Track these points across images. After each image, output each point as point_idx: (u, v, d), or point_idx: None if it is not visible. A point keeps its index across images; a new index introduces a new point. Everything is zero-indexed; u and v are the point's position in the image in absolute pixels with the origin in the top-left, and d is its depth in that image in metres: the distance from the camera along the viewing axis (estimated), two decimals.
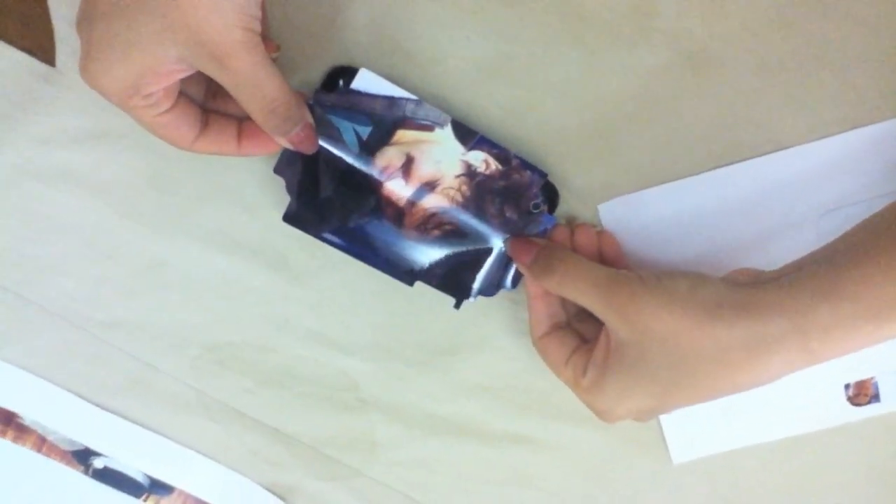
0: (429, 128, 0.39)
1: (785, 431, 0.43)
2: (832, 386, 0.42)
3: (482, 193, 0.40)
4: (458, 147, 0.39)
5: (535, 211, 0.40)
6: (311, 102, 0.38)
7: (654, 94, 0.39)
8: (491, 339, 0.43)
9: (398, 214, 0.40)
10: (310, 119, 0.37)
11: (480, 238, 0.40)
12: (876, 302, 0.31)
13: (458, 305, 0.40)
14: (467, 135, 0.39)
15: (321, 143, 0.39)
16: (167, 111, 0.35)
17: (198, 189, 0.41)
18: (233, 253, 0.42)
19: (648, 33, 0.38)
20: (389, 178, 0.39)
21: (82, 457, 0.45)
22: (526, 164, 0.40)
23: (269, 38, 0.37)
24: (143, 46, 0.32)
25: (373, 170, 0.39)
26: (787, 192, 0.40)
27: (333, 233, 0.40)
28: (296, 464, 0.45)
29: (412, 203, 0.40)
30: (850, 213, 0.40)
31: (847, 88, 0.39)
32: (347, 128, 0.39)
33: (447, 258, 0.40)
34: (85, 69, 0.33)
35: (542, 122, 0.40)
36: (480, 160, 0.39)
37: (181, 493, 0.45)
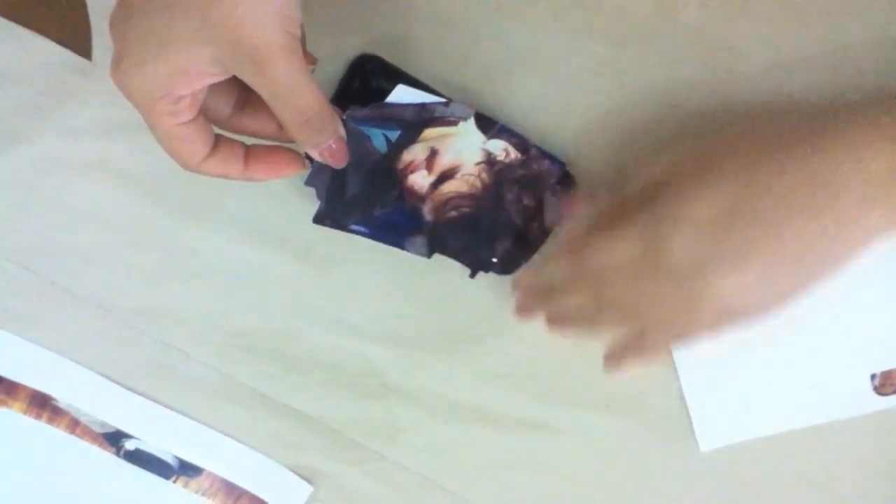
0: (453, 123, 0.40)
1: (811, 420, 0.43)
2: (858, 375, 0.42)
3: (501, 181, 0.40)
4: (479, 136, 0.40)
5: (552, 198, 0.40)
6: (344, 118, 0.38)
7: (675, 88, 0.39)
8: (511, 327, 0.43)
9: (419, 200, 0.41)
10: (342, 132, 0.36)
11: (497, 222, 0.41)
12: None
13: (472, 275, 0.41)
14: (488, 125, 0.40)
15: (355, 147, 0.39)
16: (188, 122, 0.34)
17: (226, 180, 0.42)
18: (259, 242, 0.43)
19: (671, 27, 0.39)
20: (414, 171, 0.40)
21: (114, 438, 0.46)
22: (544, 154, 0.40)
23: (307, 50, 0.36)
24: (179, 45, 0.31)
25: (398, 165, 0.40)
26: None
27: (358, 223, 0.41)
28: (320, 447, 0.45)
29: (433, 188, 0.40)
30: None
31: (871, 85, 0.39)
32: (377, 134, 0.40)
33: (464, 234, 0.41)
34: (117, 67, 0.32)
35: (563, 113, 0.40)
36: (500, 149, 0.40)
37: (209, 474, 0.46)
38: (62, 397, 0.45)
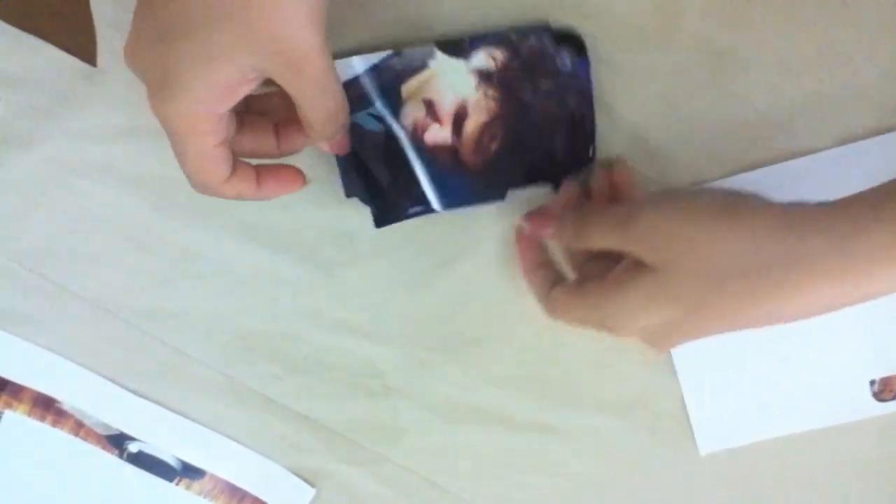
0: (422, 67, 0.39)
1: (810, 424, 0.43)
2: (858, 381, 0.43)
3: (509, 84, 0.39)
4: (458, 63, 0.39)
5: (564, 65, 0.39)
6: None
7: (676, 94, 0.40)
8: (515, 329, 0.44)
9: (453, 154, 0.40)
10: (348, 123, 0.37)
11: (538, 124, 0.40)
12: None
13: (555, 187, 0.40)
14: (457, 47, 0.39)
15: (363, 149, 0.40)
16: (222, 143, 0.33)
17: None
18: (264, 245, 0.44)
19: (672, 33, 0.39)
20: (425, 130, 0.40)
21: (117, 441, 0.46)
22: (524, 31, 0.39)
23: None
24: (223, 59, 0.30)
25: (406, 134, 0.40)
26: (812, 198, 0.40)
27: (414, 205, 0.41)
28: (323, 449, 0.46)
29: (456, 136, 0.40)
30: None
31: (872, 91, 0.39)
32: (363, 117, 0.39)
33: (521, 154, 0.40)
34: (159, 96, 0.31)
35: None
36: (485, 59, 0.39)
37: (212, 476, 0.46)
38: (66, 399, 0.45)
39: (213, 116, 0.32)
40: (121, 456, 0.46)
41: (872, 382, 0.43)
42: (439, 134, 0.40)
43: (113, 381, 0.45)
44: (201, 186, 0.35)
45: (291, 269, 0.44)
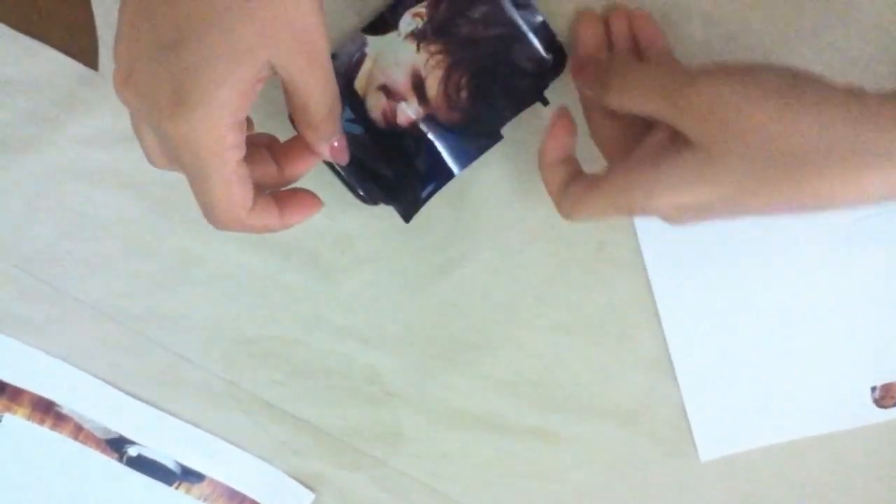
0: (361, 58, 0.39)
1: (810, 431, 0.44)
2: (859, 387, 0.43)
3: (444, 31, 0.39)
4: (390, 38, 0.39)
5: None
6: None
7: None
8: (515, 336, 0.44)
9: (431, 119, 0.40)
10: (343, 131, 0.35)
11: (489, 53, 0.39)
12: None
13: (545, 102, 0.40)
14: (382, 23, 0.39)
15: (363, 154, 0.40)
16: (243, 160, 0.30)
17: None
18: (265, 250, 0.44)
19: (675, 40, 0.39)
20: (395, 113, 0.40)
21: (117, 444, 0.46)
22: None
23: None
24: (248, 54, 0.28)
25: (381, 124, 0.40)
26: None
27: (425, 187, 0.40)
28: (322, 454, 0.46)
29: (425, 102, 0.39)
30: (882, 221, 0.40)
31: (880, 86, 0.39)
32: (348, 126, 0.39)
33: (494, 89, 0.39)
34: (179, 110, 0.27)
35: None
36: (411, 20, 0.39)
37: (211, 480, 0.46)
38: (66, 403, 0.46)
39: (238, 124, 0.29)
40: (120, 460, 0.46)
41: (873, 389, 0.43)
42: (409, 109, 0.40)
43: (113, 384, 0.45)
44: (228, 218, 0.31)
45: (292, 274, 0.44)
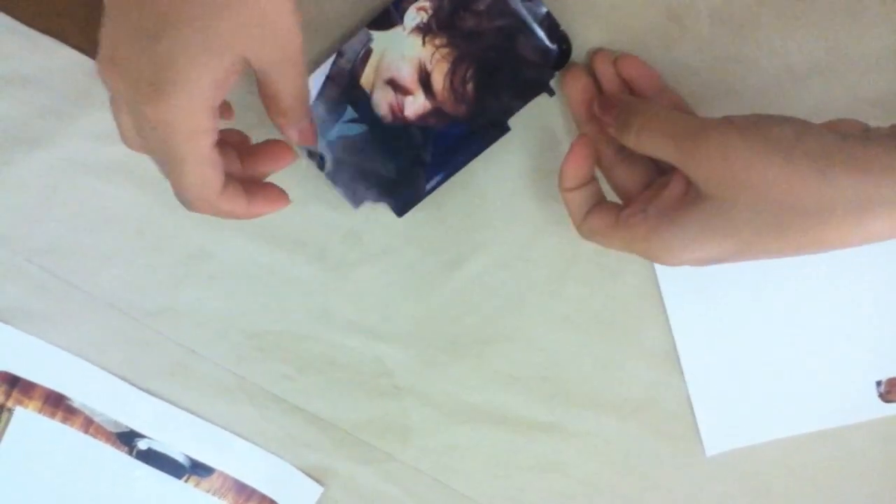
0: (367, 54, 0.40)
1: (816, 425, 0.44)
2: (864, 382, 0.43)
3: (449, 24, 0.39)
4: (396, 32, 0.39)
5: None
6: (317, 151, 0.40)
7: (682, 95, 0.40)
8: (523, 329, 0.44)
9: (439, 115, 0.40)
10: (313, 118, 0.36)
11: (494, 45, 0.39)
12: None
13: (551, 92, 0.40)
14: (387, 18, 0.39)
15: (356, 156, 0.40)
16: (217, 144, 0.31)
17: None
18: (275, 245, 0.44)
19: (683, 39, 0.39)
20: (402, 107, 0.40)
21: (127, 438, 0.46)
22: None
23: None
24: (225, 46, 0.29)
25: (389, 118, 0.40)
26: None
27: (429, 180, 0.41)
28: (331, 447, 0.46)
29: (432, 96, 0.40)
30: None
31: (880, 95, 0.39)
32: (342, 128, 0.40)
33: (499, 80, 0.40)
34: (157, 95, 0.29)
35: None
36: (416, 14, 0.39)
37: (220, 474, 0.46)
38: (77, 397, 0.46)
39: (212, 110, 0.30)
40: (130, 453, 0.46)
41: (879, 383, 0.43)
42: (416, 103, 0.40)
43: (123, 378, 0.46)
44: (199, 199, 0.33)
45: (302, 268, 0.44)
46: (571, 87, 0.39)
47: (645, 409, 0.44)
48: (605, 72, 0.39)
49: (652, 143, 0.34)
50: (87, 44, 0.41)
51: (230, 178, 0.34)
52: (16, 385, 0.46)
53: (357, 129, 0.40)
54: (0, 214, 0.44)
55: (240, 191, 0.34)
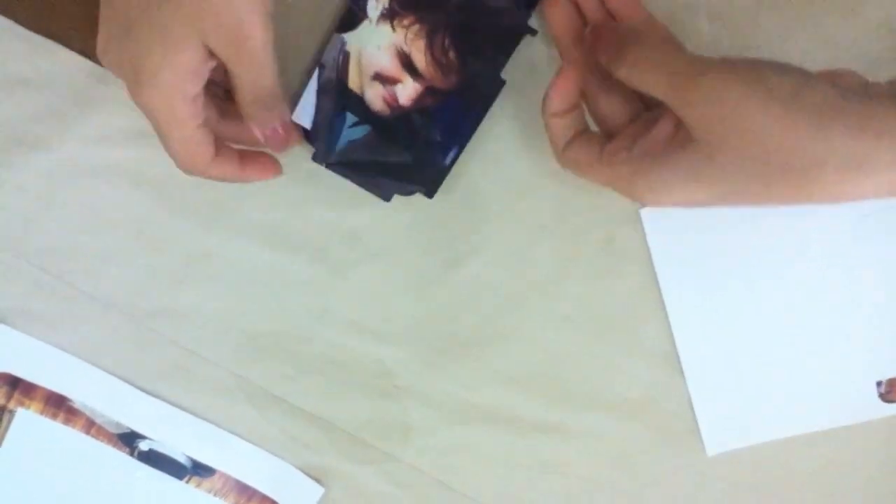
0: (346, 57, 0.40)
1: (816, 425, 0.44)
2: (864, 382, 0.43)
3: (413, 2, 0.39)
4: (365, 27, 0.39)
5: None
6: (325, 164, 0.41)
7: None
8: (523, 329, 0.44)
9: (433, 92, 0.40)
10: (288, 118, 0.38)
11: (465, 7, 0.39)
12: None
13: (533, 32, 0.39)
14: (352, 17, 0.39)
15: (370, 155, 0.40)
16: (201, 124, 0.35)
17: (242, 185, 0.43)
18: (275, 246, 0.44)
19: (681, 35, 0.39)
20: (395, 97, 0.40)
21: (128, 439, 0.46)
22: None
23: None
24: (183, 41, 0.32)
25: (387, 113, 0.40)
26: None
27: (445, 155, 0.41)
28: (332, 448, 0.46)
29: (421, 77, 0.40)
30: (888, 217, 0.40)
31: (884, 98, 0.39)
32: (349, 133, 0.40)
33: (482, 40, 0.39)
34: (136, 86, 0.32)
35: None
36: (377, 4, 0.39)
37: (222, 474, 0.46)
38: (78, 398, 0.46)
39: (186, 99, 0.33)
40: (132, 454, 0.46)
41: (879, 383, 0.43)
42: (407, 89, 0.40)
43: (124, 379, 0.46)
44: (188, 168, 0.36)
45: (302, 269, 0.44)
46: (553, 14, 0.37)
47: (645, 409, 0.44)
48: (589, 1, 0.37)
49: (645, 78, 0.32)
50: (87, 47, 0.41)
51: (224, 146, 0.37)
52: (17, 386, 0.46)
53: (361, 130, 0.40)
54: (0, 216, 0.44)
55: (233, 157, 0.37)
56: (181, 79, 0.33)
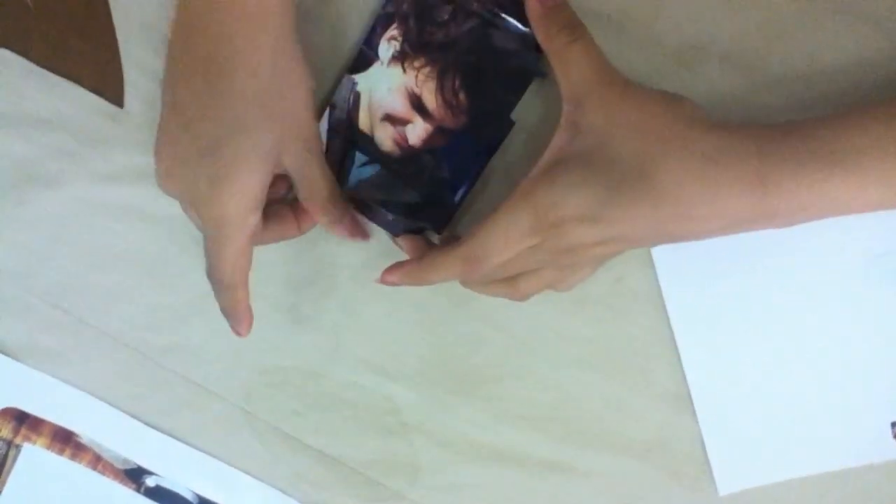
0: (356, 98, 0.40)
1: (830, 465, 0.43)
2: (879, 423, 0.43)
3: (421, 43, 0.39)
4: (375, 68, 0.40)
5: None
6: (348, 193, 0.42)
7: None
8: (532, 368, 0.44)
9: (443, 132, 0.40)
10: (353, 212, 0.41)
11: (470, 47, 0.39)
12: (826, 147, 0.32)
13: (543, 74, 0.40)
14: (363, 59, 0.40)
15: (379, 193, 0.41)
16: (251, 237, 0.37)
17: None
18: (285, 282, 0.44)
19: (705, 54, 0.39)
20: (405, 137, 0.40)
21: (135, 475, 0.46)
22: (387, 1, 0.39)
23: None
24: (272, 153, 0.35)
25: (397, 153, 0.41)
26: (834, 234, 0.40)
27: (454, 194, 0.41)
28: (339, 486, 0.46)
29: (430, 117, 0.40)
30: None
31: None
32: (358, 172, 0.41)
33: (492, 81, 0.40)
34: (228, 196, 0.35)
35: None
36: (388, 45, 0.40)
37: None
38: (85, 433, 0.46)
39: (258, 209, 0.37)
40: (138, 490, 0.46)
41: (893, 424, 0.43)
42: (417, 129, 0.40)
43: (132, 415, 0.46)
44: (230, 283, 0.38)
45: (311, 305, 0.44)
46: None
47: (657, 449, 0.44)
48: None
49: (581, 65, 0.36)
50: (100, 86, 0.42)
51: (273, 208, 0.40)
52: (24, 421, 0.46)
53: (371, 169, 0.41)
54: (12, 252, 0.45)
55: (288, 218, 0.41)
56: (260, 189, 0.36)
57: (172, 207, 0.43)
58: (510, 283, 0.38)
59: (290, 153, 0.36)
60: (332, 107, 0.40)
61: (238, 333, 0.40)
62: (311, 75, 0.37)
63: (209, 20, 0.34)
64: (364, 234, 0.42)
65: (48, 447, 0.46)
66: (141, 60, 0.42)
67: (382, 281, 0.39)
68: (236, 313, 0.40)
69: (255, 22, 0.34)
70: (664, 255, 0.41)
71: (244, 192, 0.35)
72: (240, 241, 0.37)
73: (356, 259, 0.44)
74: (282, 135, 0.36)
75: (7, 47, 0.42)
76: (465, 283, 0.39)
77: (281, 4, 0.35)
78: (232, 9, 0.34)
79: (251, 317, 0.40)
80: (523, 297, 0.39)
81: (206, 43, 0.34)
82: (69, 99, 0.43)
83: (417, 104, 0.40)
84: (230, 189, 0.35)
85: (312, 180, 0.38)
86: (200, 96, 0.35)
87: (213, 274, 0.38)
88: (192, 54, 0.35)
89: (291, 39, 0.36)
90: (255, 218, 0.36)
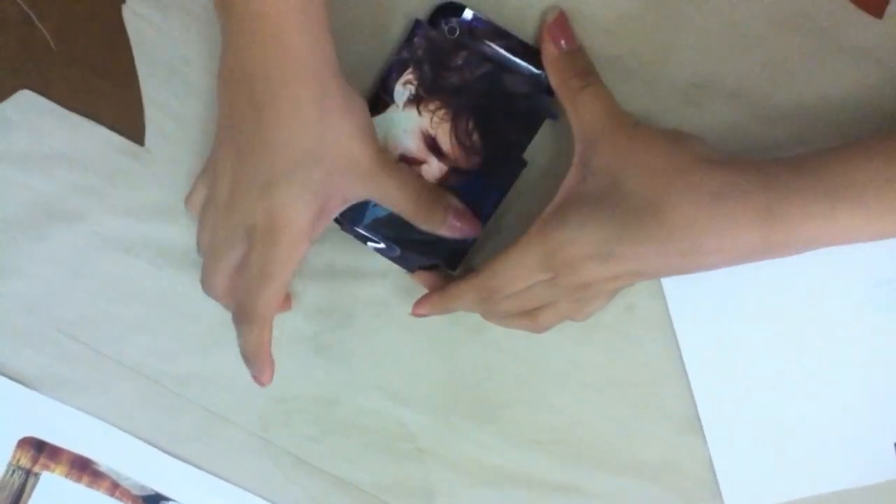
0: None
1: (836, 485, 0.44)
2: (883, 443, 0.44)
3: (437, 86, 0.40)
4: (392, 111, 0.41)
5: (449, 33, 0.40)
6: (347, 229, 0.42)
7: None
8: (544, 394, 0.44)
9: (455, 171, 0.41)
10: (455, 203, 0.40)
11: (485, 90, 0.40)
12: (831, 180, 0.33)
13: (555, 116, 0.41)
14: (378, 102, 0.41)
15: (394, 231, 0.41)
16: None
17: None
18: (302, 313, 0.45)
19: (712, 93, 0.40)
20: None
21: (153, 501, 0.46)
22: (404, 38, 0.40)
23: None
24: (317, 195, 0.35)
25: None
26: (839, 262, 0.41)
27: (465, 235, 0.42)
28: None
29: (445, 158, 0.41)
30: None
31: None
32: (377, 211, 0.41)
33: (505, 123, 0.41)
34: (287, 235, 0.35)
35: None
36: (404, 89, 0.41)
37: None
38: (103, 461, 0.46)
39: (310, 242, 0.36)
40: None
41: None
42: (432, 169, 0.41)
43: (149, 442, 0.46)
44: (263, 317, 0.38)
45: (328, 335, 0.45)
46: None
47: (666, 472, 0.45)
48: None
49: (594, 108, 0.37)
50: (119, 124, 0.42)
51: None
52: (42, 450, 0.46)
53: (386, 209, 0.41)
54: (32, 286, 0.45)
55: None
56: (315, 220, 0.36)
57: (189, 241, 0.44)
58: (529, 316, 0.39)
59: (347, 187, 0.36)
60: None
61: (260, 383, 0.40)
62: (357, 102, 0.37)
63: (252, 66, 0.34)
64: (475, 227, 0.41)
65: (66, 475, 0.46)
66: (162, 98, 0.43)
67: (414, 314, 0.41)
68: (261, 354, 0.39)
69: (294, 65, 0.34)
70: (674, 284, 0.42)
71: (298, 228, 0.35)
72: (282, 280, 0.36)
73: (371, 290, 0.44)
74: (334, 172, 0.35)
75: (28, 87, 0.43)
76: (486, 317, 0.40)
77: (318, 43, 0.35)
78: (275, 52, 0.34)
79: (273, 363, 0.40)
80: (542, 330, 0.40)
81: (248, 87, 0.34)
82: (89, 137, 0.43)
83: (432, 145, 0.41)
84: (284, 224, 0.35)
85: (389, 201, 0.38)
86: (248, 136, 0.35)
87: (246, 308, 0.37)
88: (236, 96, 0.35)
89: (333, 73, 0.36)
90: (305, 250, 0.36)
